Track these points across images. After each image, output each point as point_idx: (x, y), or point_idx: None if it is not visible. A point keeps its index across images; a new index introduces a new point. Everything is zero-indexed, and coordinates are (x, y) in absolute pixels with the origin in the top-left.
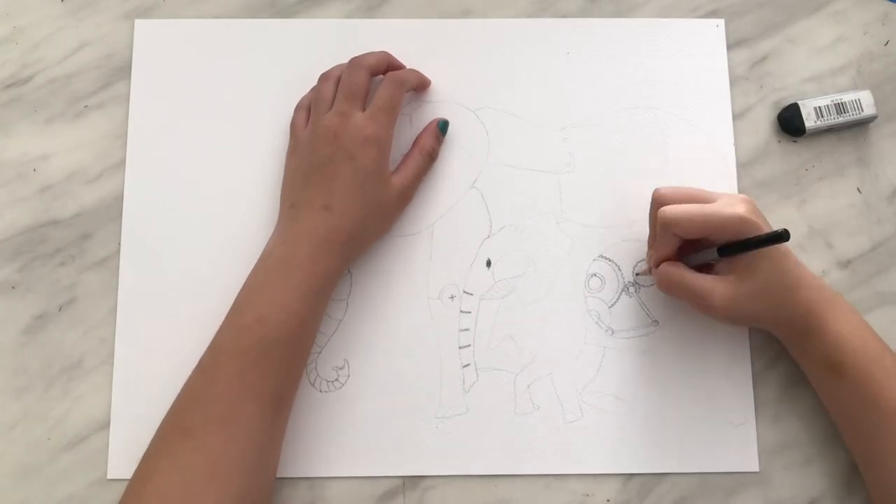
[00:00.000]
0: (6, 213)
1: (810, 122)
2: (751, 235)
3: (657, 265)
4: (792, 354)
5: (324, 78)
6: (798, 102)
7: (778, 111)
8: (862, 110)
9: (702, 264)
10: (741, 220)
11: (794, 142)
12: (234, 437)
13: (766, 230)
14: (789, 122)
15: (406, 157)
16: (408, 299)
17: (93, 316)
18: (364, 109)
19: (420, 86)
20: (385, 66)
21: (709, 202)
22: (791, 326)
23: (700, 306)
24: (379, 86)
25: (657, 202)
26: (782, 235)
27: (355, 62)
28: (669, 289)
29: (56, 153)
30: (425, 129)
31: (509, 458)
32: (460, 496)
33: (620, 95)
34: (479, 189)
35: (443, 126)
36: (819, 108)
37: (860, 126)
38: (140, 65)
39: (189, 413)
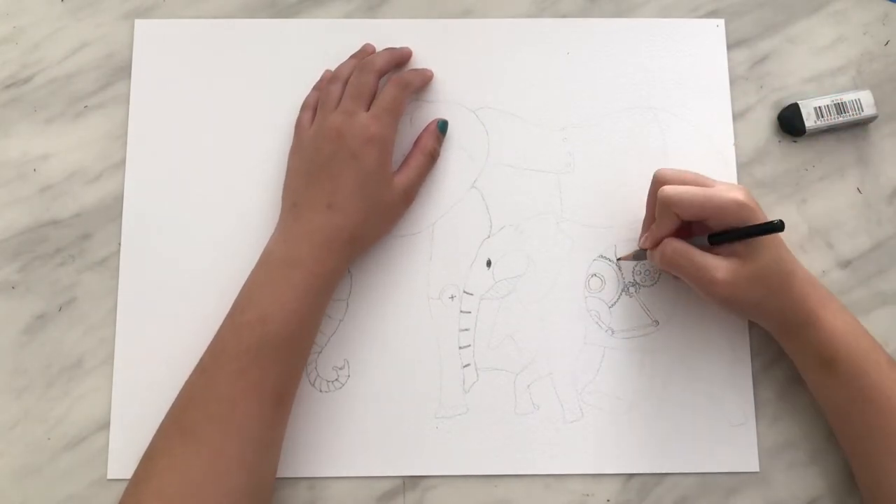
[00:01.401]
0: (6, 213)
1: (810, 122)
2: (747, 220)
3: (655, 244)
4: (786, 349)
5: (333, 78)
6: (798, 102)
7: (778, 111)
8: (862, 110)
9: None
10: (739, 205)
11: (795, 142)
12: (234, 436)
13: (762, 217)
14: (789, 122)
15: (407, 157)
16: (408, 299)
17: (93, 316)
18: (369, 110)
19: (423, 84)
20: (393, 66)
21: (708, 187)
22: (786, 318)
23: (702, 281)
24: (384, 87)
25: (658, 182)
26: (777, 226)
27: (365, 65)
28: (672, 262)
29: (56, 153)
30: (425, 129)
31: (509, 458)
32: (460, 496)
33: (620, 95)
34: (480, 189)
35: (442, 126)
36: (819, 108)
37: (860, 126)
38: (140, 65)
39: (189, 412)
